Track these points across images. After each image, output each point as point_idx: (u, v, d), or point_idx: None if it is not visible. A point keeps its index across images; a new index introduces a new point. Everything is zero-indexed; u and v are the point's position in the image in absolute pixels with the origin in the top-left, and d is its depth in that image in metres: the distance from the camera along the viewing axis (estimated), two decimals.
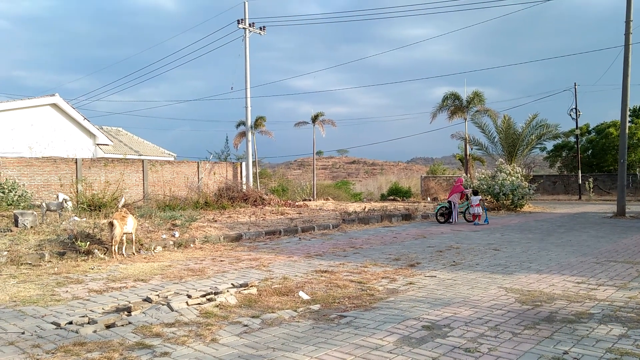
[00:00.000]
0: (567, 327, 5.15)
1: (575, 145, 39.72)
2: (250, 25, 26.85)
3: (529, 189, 24.24)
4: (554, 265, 8.89)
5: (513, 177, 24.03)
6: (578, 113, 37.66)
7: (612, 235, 13.52)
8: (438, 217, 17.93)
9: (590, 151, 43.11)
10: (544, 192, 39.53)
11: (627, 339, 4.75)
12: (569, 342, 4.68)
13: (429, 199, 32.17)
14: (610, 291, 6.77)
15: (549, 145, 41.59)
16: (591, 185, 35.19)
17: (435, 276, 7.93)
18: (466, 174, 30.32)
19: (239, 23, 26.60)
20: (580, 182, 36.86)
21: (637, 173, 37.31)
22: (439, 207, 18.48)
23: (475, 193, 18.19)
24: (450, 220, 17.67)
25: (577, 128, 38.37)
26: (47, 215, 12.57)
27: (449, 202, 17.94)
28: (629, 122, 34.93)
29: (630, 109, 35.48)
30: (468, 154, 32.52)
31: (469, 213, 18.06)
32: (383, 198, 34.70)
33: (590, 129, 44.20)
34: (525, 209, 24.73)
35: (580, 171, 37.62)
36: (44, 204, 12.67)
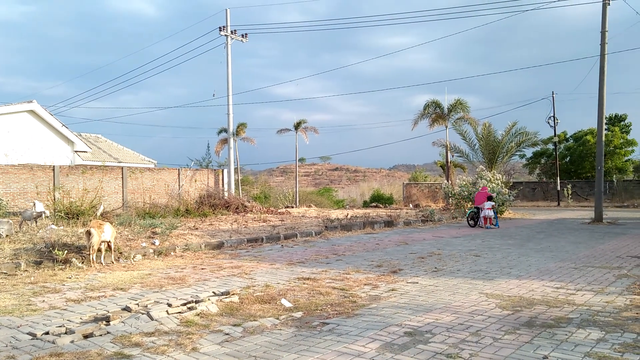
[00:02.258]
0: (546, 331, 5.21)
1: (554, 153, 40.41)
2: (232, 32, 26.82)
3: (509, 196, 24.55)
4: (534, 270, 9.00)
5: (493, 184, 24.31)
6: (556, 121, 38.37)
7: (590, 241, 13.75)
8: (469, 221, 19.03)
9: (568, 158, 43.91)
10: (524, 198, 40.12)
11: (605, 343, 4.82)
12: (549, 346, 4.73)
13: (411, 205, 32.37)
14: (588, 296, 6.88)
15: (528, 152, 42.33)
16: (569, 192, 35.82)
17: (417, 282, 7.96)
18: (447, 181, 30.58)
19: (220, 30, 26.55)
20: (559, 189, 37.49)
21: (614, 180, 38.09)
22: (469, 211, 19.54)
23: (489, 198, 19.03)
24: (479, 223, 18.81)
25: (555, 135, 39.06)
26: (24, 224, 12.32)
27: (477, 207, 19.03)
28: (605, 130, 35.62)
29: (606, 117, 36.22)
30: (449, 161, 32.82)
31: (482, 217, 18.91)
32: (365, 205, 34.80)
33: (568, 136, 45.06)
34: (506, 215, 25.02)
35: (558, 178, 38.27)
36: (20, 214, 12.44)
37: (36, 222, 12.45)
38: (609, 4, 19.91)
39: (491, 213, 18.56)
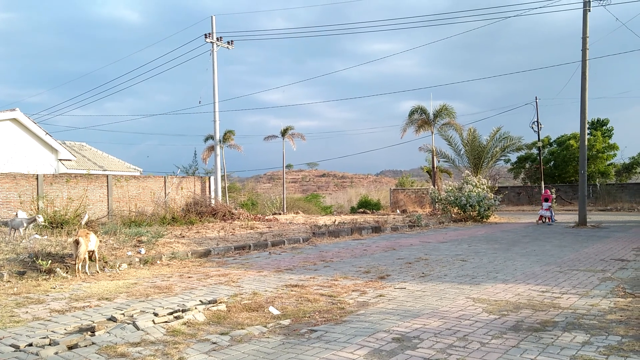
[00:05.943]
0: (532, 335, 5.25)
1: (538, 157, 40.87)
2: (218, 39, 26.76)
3: (495, 200, 24.76)
4: (519, 274, 9.07)
5: (479, 189, 24.51)
6: (539, 126, 38.83)
7: (575, 244, 13.92)
8: (544, 220, 22.63)
9: (552, 163, 44.43)
10: (509, 203, 40.47)
11: (590, 346, 4.87)
12: (535, 350, 4.77)
13: (398, 211, 32.47)
14: (574, 299, 6.95)
15: (513, 157, 42.77)
16: (554, 196, 36.20)
17: (404, 288, 7.98)
18: (434, 186, 30.80)
19: (206, 37, 26.48)
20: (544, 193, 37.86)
21: (597, 184, 38.61)
22: (540, 212, 23.25)
23: (545, 200, 22.86)
24: (550, 222, 22.36)
25: (539, 140, 39.51)
26: (11, 231, 12.15)
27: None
28: (588, 134, 36.16)
29: (588, 122, 36.70)
30: (435, 166, 33.06)
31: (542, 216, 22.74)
32: (353, 211, 34.85)
33: (551, 141, 45.61)
34: (491, 219, 25.23)
35: (543, 182, 38.67)
36: (8, 223, 12.25)
37: (26, 229, 12.31)
38: (589, 10, 20.27)
39: (547, 213, 22.37)
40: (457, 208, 24.95)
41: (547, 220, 22.59)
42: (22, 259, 9.83)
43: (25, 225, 12.30)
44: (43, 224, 12.65)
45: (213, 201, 23.45)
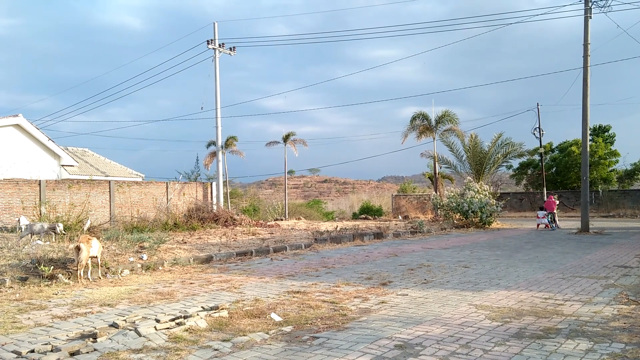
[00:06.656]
0: (535, 342, 5.23)
1: (540, 164, 40.84)
2: (220, 45, 26.90)
3: (497, 206, 24.73)
4: (522, 281, 9.05)
5: (481, 195, 24.48)
6: (541, 132, 38.83)
7: (577, 251, 13.88)
8: (546, 226, 23.52)
9: (554, 169, 44.39)
10: (511, 209, 40.41)
11: (594, 353, 4.85)
12: (538, 357, 4.75)
13: (400, 217, 32.44)
14: (577, 306, 6.92)
15: (515, 163, 42.78)
16: (557, 202, 36.13)
17: (407, 294, 7.96)
18: (436, 192, 30.75)
19: (208, 43, 26.62)
20: (546, 199, 37.78)
21: (600, 190, 38.54)
22: (537, 221, 24.22)
23: (541, 208, 23.96)
24: (553, 227, 23.08)
25: (541, 147, 39.50)
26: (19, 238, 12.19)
27: (550, 213, 23.33)
28: (590, 140, 36.11)
29: (590, 128, 36.64)
30: (437, 172, 33.03)
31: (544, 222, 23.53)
32: (355, 217, 34.83)
33: (553, 147, 45.59)
34: (494, 225, 25.18)
35: (545, 188, 38.63)
36: (24, 225, 12.29)
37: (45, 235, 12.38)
38: (590, 17, 20.32)
39: (545, 220, 23.24)
40: (459, 214, 24.92)
41: (546, 226, 23.32)
42: (25, 265, 9.84)
43: (45, 232, 12.33)
44: (62, 232, 12.64)
45: (215, 207, 23.46)
